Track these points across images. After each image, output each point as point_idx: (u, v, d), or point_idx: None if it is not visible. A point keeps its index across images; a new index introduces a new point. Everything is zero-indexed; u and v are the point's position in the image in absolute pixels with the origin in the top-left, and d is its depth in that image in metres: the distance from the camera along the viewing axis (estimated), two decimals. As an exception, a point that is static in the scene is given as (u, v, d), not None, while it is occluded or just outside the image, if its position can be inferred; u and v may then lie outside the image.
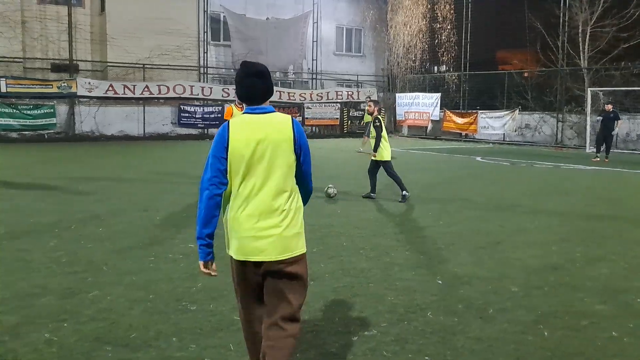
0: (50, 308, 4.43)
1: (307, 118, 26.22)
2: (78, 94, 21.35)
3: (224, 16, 25.58)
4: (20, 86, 20.44)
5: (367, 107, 10.38)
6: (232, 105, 12.71)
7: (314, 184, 3.51)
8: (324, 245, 6.61)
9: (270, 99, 3.01)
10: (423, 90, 28.00)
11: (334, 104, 26.95)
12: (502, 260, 6.08)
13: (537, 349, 3.89)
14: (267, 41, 26.01)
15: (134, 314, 4.33)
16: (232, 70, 26.05)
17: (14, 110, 20.16)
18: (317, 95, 26.78)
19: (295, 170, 2.95)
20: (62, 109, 21.34)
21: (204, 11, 25.12)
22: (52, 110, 20.95)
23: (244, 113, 2.96)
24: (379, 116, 9.85)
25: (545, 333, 4.14)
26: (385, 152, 9.75)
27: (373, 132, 9.77)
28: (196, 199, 8.59)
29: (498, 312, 4.55)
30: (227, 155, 2.84)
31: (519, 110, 23.75)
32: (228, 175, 2.87)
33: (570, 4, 22.77)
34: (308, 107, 26.25)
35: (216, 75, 26.18)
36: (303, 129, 2.98)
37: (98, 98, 21.85)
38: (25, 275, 5.23)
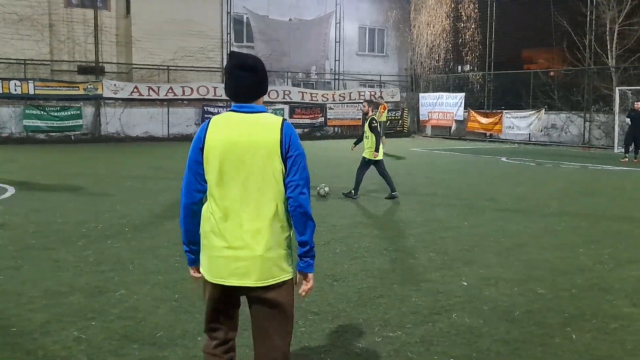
0: (79, 306, 4.50)
1: (329, 119, 26.22)
2: (104, 95, 21.67)
3: (247, 18, 25.72)
4: (47, 88, 20.82)
5: (362, 107, 10.36)
6: None
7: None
8: (347, 246, 6.60)
9: (263, 98, 2.64)
10: (447, 90, 27.79)
11: (357, 105, 26.91)
12: (528, 262, 6.00)
13: (565, 352, 3.83)
14: (290, 42, 26.07)
15: (160, 312, 4.38)
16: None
17: (42, 112, 20.54)
18: (340, 95, 26.76)
19: (283, 181, 2.51)
20: (88, 110, 21.68)
21: (227, 13, 25.29)
22: (78, 112, 21.29)
23: (229, 110, 2.59)
24: (374, 116, 9.86)
25: (574, 336, 4.08)
26: (380, 152, 9.76)
27: (367, 132, 9.75)
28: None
29: (524, 314, 4.49)
30: (202, 158, 2.50)
31: (545, 110, 23.42)
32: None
33: (598, 2, 22.37)
34: (330, 108, 26.25)
35: (239, 77, 26.30)
36: (296, 133, 2.55)
37: (123, 100, 22.14)
38: (54, 274, 5.33)
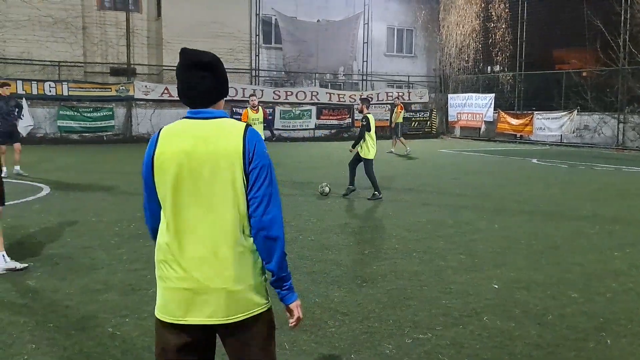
0: (113, 304, 4.60)
1: (356, 119, 26.17)
2: (135, 97, 22.02)
3: (276, 19, 25.87)
4: (81, 89, 21.26)
5: (357, 107, 10.46)
6: (248, 108, 12.88)
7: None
8: (375, 247, 6.60)
9: (223, 101, 2.28)
10: (476, 90, 27.49)
11: (384, 106, 26.81)
12: (560, 265, 5.91)
13: (600, 356, 3.76)
14: (318, 43, 26.13)
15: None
16: (282, 72, 26.34)
17: (75, 113, 20.98)
18: (368, 96, 26.69)
19: (248, 198, 2.12)
20: (120, 111, 22.06)
21: (256, 14, 25.48)
22: (110, 113, 21.69)
23: (183, 117, 2.21)
24: (367, 115, 9.89)
25: (608, 341, 4.00)
26: (371, 151, 9.77)
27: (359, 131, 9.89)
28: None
29: (557, 318, 4.43)
30: (153, 175, 2.14)
31: (578, 111, 22.98)
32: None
33: (633, 1, 21.87)
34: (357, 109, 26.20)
35: (267, 78, 26.51)
36: (263, 141, 2.18)
37: (154, 101, 22.47)
38: (88, 272, 5.45)
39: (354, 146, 9.94)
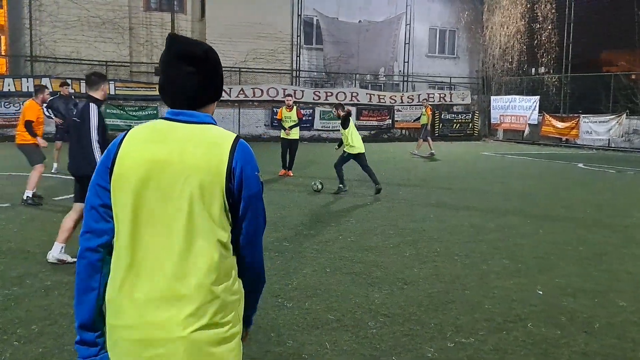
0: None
1: (397, 121, 26.02)
2: (179, 96, 22.45)
3: (317, 20, 25.95)
4: (127, 89, 21.83)
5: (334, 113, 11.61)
6: (283, 107, 12.92)
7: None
8: (417, 249, 6.54)
9: (214, 105, 1.87)
10: (520, 93, 26.95)
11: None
12: (608, 273, 5.74)
13: (651, 368, 3.64)
14: (359, 44, 26.09)
15: (264, 306, 4.48)
16: (323, 73, 26.38)
17: (121, 111, 21.53)
18: (408, 97, 26.50)
19: (230, 226, 1.69)
20: (164, 110, 22.42)
21: (298, 15, 25.62)
22: (155, 112, 22.17)
23: (161, 118, 1.78)
24: (345, 116, 10.48)
25: (660, 352, 3.87)
26: (356, 146, 10.29)
27: (342, 130, 10.51)
28: (283, 199, 8.75)
29: (605, 327, 4.30)
30: (110, 183, 1.68)
31: (627, 115, 22.27)
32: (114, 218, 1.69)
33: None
34: (398, 110, 26.04)
35: (308, 79, 26.61)
36: (254, 158, 1.73)
37: (196, 100, 22.85)
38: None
39: (339, 145, 10.91)
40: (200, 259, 1.62)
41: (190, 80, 1.72)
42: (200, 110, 1.76)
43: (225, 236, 1.66)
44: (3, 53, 29.13)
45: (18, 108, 19.58)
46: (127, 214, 1.63)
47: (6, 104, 19.80)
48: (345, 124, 10.33)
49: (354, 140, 10.30)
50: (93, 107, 5.50)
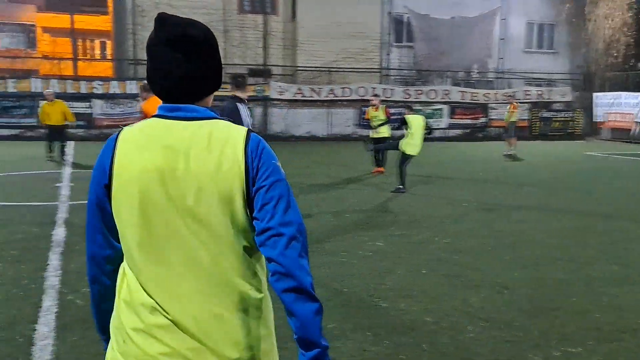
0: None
1: (491, 119, 25.17)
2: (271, 96, 22.98)
3: (408, 17, 25.63)
4: (222, 89, 21.59)
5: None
6: (370, 107, 12.72)
7: None
8: (516, 252, 6.28)
9: (212, 96, 1.62)
10: (626, 89, 25.20)
11: (522, 105, 25.49)
12: None
13: None
14: (452, 40, 25.49)
15: (331, 305, 4.50)
16: (413, 71, 26.03)
17: (217, 112, 22.39)
18: (503, 95, 25.55)
19: (253, 232, 1.45)
20: (257, 110, 23.09)
21: (388, 13, 25.43)
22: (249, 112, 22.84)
23: (153, 116, 1.52)
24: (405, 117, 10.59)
25: None
26: (408, 148, 10.26)
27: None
28: (376, 198, 8.66)
29: None
30: (110, 203, 1.48)
31: None
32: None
33: None
34: (493, 108, 25.18)
35: (398, 77, 26.35)
36: (270, 149, 1.50)
37: (288, 101, 23.29)
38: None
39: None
40: (225, 275, 1.43)
41: (189, 67, 1.47)
42: (200, 103, 1.53)
43: (253, 245, 1.46)
44: (109, 57, 31.15)
45: (123, 109, 20.91)
46: (134, 234, 1.44)
47: (112, 105, 21.13)
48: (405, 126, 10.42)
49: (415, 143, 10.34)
50: (242, 107, 5.93)
